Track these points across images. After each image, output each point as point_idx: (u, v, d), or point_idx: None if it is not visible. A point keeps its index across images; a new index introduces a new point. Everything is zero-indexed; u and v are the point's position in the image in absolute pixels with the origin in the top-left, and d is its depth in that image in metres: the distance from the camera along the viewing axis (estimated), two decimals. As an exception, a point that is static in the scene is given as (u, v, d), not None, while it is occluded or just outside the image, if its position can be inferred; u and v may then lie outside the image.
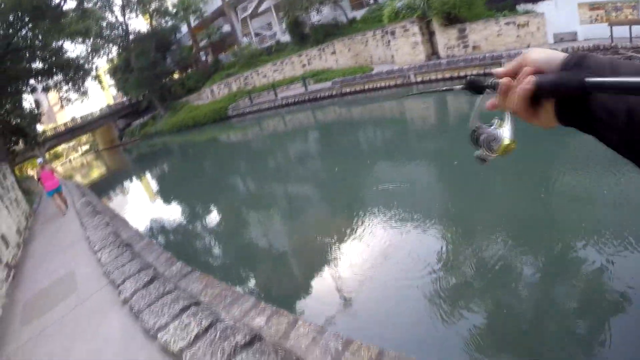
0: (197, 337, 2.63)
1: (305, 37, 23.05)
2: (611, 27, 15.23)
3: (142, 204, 13.29)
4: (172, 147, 26.61)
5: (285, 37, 25.84)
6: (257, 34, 29.63)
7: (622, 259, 3.67)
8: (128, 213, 11.13)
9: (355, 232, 5.53)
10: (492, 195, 6.09)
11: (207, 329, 2.70)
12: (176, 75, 39.50)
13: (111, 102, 50.88)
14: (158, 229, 9.15)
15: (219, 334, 2.58)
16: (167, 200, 12.82)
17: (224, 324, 2.72)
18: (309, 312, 4.04)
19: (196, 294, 3.58)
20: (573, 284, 3.68)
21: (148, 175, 20.12)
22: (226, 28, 32.47)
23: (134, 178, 20.97)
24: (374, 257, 4.75)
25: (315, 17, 22.90)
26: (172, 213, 10.63)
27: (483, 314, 3.48)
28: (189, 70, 37.87)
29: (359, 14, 21.61)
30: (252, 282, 5.26)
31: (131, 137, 39.33)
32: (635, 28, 15.21)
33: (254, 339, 2.41)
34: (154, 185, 17.75)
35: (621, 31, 15.18)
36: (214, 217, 9.26)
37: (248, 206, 9.23)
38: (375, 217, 5.88)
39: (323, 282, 4.61)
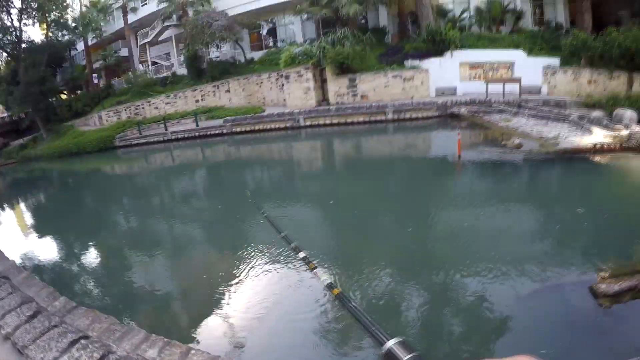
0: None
1: (201, 72, 22.15)
2: (487, 85, 17.04)
3: (17, 235, 11.36)
4: (52, 175, 23.49)
5: (182, 70, 24.64)
6: (154, 63, 27.90)
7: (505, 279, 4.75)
8: (2, 243, 9.25)
9: (240, 267, 5.80)
10: (373, 228, 6.77)
11: (98, 363, 2.52)
12: (64, 96, 35.18)
13: (-11, 115, 43.14)
14: (37, 263, 7.99)
15: (111, 366, 2.39)
16: (46, 232, 10.99)
17: (116, 355, 2.63)
18: (202, 341, 4.22)
19: (84, 329, 3.44)
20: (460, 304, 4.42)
21: (24, 205, 17.08)
22: (123, 52, 30.14)
23: (7, 206, 17.44)
24: (258, 288, 5.18)
25: (214, 53, 22.19)
26: (52, 247, 9.33)
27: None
28: (79, 92, 33.97)
29: (257, 55, 21.56)
30: (141, 316, 5.18)
31: (7, 158, 33.55)
32: (507, 86, 17.35)
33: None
34: (31, 215, 15.09)
35: (496, 87, 17.13)
36: (96, 252, 8.41)
37: (132, 242, 8.56)
38: (259, 253, 6.20)
39: (212, 314, 4.80)
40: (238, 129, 17.77)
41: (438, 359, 3.79)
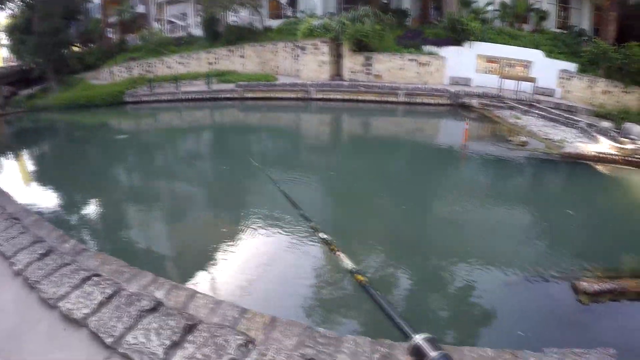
0: (102, 304, 2.51)
1: (217, 35, 21.95)
2: (501, 80, 16.98)
3: (25, 182, 11.39)
4: (59, 126, 23.36)
5: (198, 32, 24.40)
6: (170, 22, 27.60)
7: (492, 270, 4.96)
8: (10, 188, 9.20)
9: (245, 220, 6.02)
10: (371, 207, 6.91)
11: (110, 297, 2.58)
12: (77, 49, 34.83)
13: (0, 63, 42.81)
14: (45, 209, 7.94)
15: (124, 300, 2.50)
16: (53, 181, 11.00)
17: (127, 292, 2.66)
18: (207, 286, 4.40)
19: (94, 269, 3.37)
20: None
21: (31, 154, 17.13)
22: (140, 9, 29.72)
23: (15, 155, 17.57)
24: (262, 242, 5.43)
25: (232, 18, 21.95)
26: (60, 194, 9.37)
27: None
28: (92, 46, 33.64)
29: (275, 23, 21.32)
30: (149, 261, 5.26)
31: (15, 107, 33.43)
32: (522, 84, 17.28)
33: (159, 304, 2.42)
34: (38, 164, 15.18)
35: (510, 84, 17.07)
36: (103, 202, 8.46)
37: (141, 194, 8.75)
38: (263, 212, 6.39)
39: (218, 261, 4.97)
40: (249, 95, 17.75)
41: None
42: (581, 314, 4.32)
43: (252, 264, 4.94)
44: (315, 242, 5.24)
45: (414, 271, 5.09)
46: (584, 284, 4.57)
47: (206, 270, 4.84)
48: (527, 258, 5.34)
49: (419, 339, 0.42)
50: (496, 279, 4.87)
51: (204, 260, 5.11)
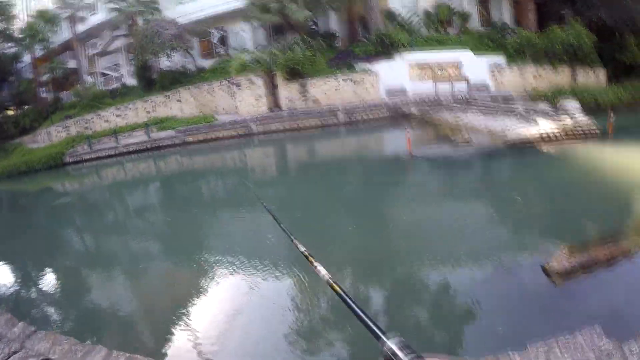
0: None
1: (152, 82, 21.51)
2: (435, 84, 17.40)
3: None
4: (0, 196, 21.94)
5: (132, 81, 23.84)
6: (103, 74, 26.90)
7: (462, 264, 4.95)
8: None
9: (198, 278, 5.64)
10: (332, 229, 6.78)
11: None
12: (11, 112, 33.25)
13: None
14: None
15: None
16: None
17: None
18: (170, 350, 4.14)
19: (44, 353, 3.40)
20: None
21: None
22: (71, 64, 28.76)
23: None
24: (220, 297, 5.12)
25: (165, 63, 21.60)
26: (5, 272, 8.61)
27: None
28: (26, 107, 32.18)
29: (207, 63, 21.18)
30: (102, 334, 4.93)
31: None
32: (456, 84, 17.78)
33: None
34: None
35: (445, 86, 17.54)
36: (53, 274, 7.86)
37: (90, 260, 8.15)
38: (218, 264, 6.05)
39: (175, 325, 4.61)
40: (190, 139, 17.33)
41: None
42: (558, 295, 4.22)
43: (220, 311, 4.72)
44: (294, 256, 4.95)
45: (387, 279, 5.00)
46: (554, 264, 4.43)
47: (168, 332, 4.51)
48: (494, 249, 5.28)
49: (392, 342, 0.45)
50: (467, 276, 4.78)
51: (165, 320, 4.77)
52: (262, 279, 5.33)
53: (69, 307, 6.15)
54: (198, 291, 5.26)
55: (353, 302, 0.59)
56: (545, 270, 4.44)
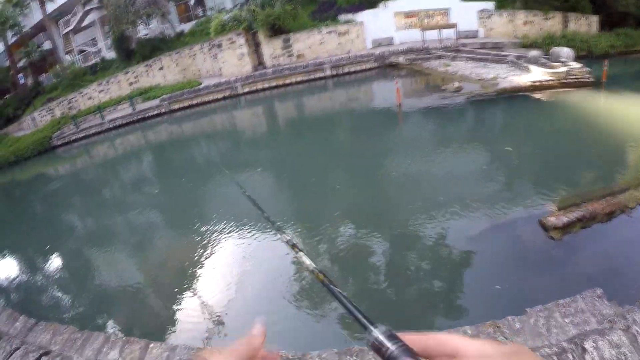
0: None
1: (131, 53, 20.83)
2: (423, 32, 16.90)
3: None
4: None
5: (111, 54, 23.10)
6: (81, 51, 26.01)
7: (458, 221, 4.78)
8: None
9: (191, 257, 5.45)
10: (328, 188, 6.64)
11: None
12: (-8, 103, 32.39)
13: None
14: None
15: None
16: None
17: None
18: (160, 334, 4.12)
19: (45, 345, 3.55)
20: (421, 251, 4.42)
21: None
22: (47, 45, 27.82)
23: None
24: (215, 273, 4.90)
25: (142, 32, 20.84)
26: (3, 265, 8.59)
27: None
28: (6, 96, 31.36)
29: (186, 27, 20.45)
30: (100, 320, 4.96)
31: None
32: (444, 31, 17.31)
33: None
34: None
35: (433, 34, 17.03)
36: (51, 262, 7.81)
37: (87, 243, 8.06)
38: (216, 234, 5.82)
39: (177, 298, 4.56)
40: (176, 106, 16.95)
41: (409, 310, 3.75)
42: (556, 251, 4.07)
43: (211, 291, 4.56)
44: (279, 245, 4.86)
45: (382, 235, 4.90)
46: (552, 219, 4.31)
47: (163, 312, 4.48)
48: (488, 204, 5.11)
49: (377, 332, 0.45)
50: (461, 232, 4.61)
51: (160, 302, 4.72)
52: (254, 261, 5.14)
53: (68, 294, 6.17)
54: (191, 269, 5.16)
55: (339, 292, 0.59)
56: (542, 225, 4.32)
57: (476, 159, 6.96)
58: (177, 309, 4.42)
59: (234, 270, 4.80)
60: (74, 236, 9.15)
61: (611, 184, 5.35)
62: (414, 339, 0.45)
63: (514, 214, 4.79)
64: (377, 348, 0.45)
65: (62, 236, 9.35)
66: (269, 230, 5.31)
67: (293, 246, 0.80)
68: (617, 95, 10.57)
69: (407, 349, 0.44)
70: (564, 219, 4.25)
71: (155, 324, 4.34)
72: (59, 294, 6.35)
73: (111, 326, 4.70)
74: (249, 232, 5.54)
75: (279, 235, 0.84)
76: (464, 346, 0.42)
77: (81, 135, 21.02)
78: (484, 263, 4.08)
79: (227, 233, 5.72)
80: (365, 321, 0.49)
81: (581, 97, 10.05)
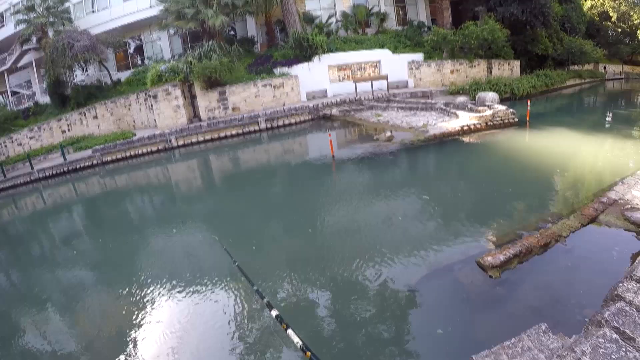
0: None
1: (66, 99, 20.30)
2: (356, 84, 17.81)
3: None
4: None
5: (46, 98, 22.36)
6: (14, 93, 24.93)
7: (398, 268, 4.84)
8: None
9: (138, 304, 5.33)
10: (266, 238, 6.73)
11: None
12: None
13: None
14: None
15: None
16: None
17: None
18: None
19: None
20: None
21: None
22: (-21, 84, 26.38)
23: None
24: (161, 323, 4.77)
25: (79, 77, 20.44)
26: None
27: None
28: None
29: (124, 75, 20.36)
30: None
31: None
32: (376, 83, 18.33)
33: None
34: None
35: (365, 86, 17.99)
36: None
37: (18, 303, 7.26)
38: (156, 288, 5.70)
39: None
40: (109, 158, 16.55)
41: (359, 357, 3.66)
42: (496, 290, 4.07)
43: (162, 338, 4.36)
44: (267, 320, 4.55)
45: (319, 283, 4.90)
46: (489, 259, 4.36)
47: None
48: (426, 247, 5.17)
49: None
50: (400, 277, 4.61)
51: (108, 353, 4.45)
52: (203, 302, 5.06)
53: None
54: (140, 318, 4.98)
55: None
56: (480, 265, 4.37)
57: (410, 205, 7.16)
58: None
59: (173, 331, 4.59)
60: (1, 294, 8.34)
61: (543, 216, 5.59)
62: None
63: (451, 256, 4.87)
64: None
65: None
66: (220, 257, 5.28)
67: (281, 322, 0.94)
68: (541, 131, 11.51)
69: None
70: (501, 257, 4.35)
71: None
72: None
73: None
74: (185, 291, 5.38)
75: (266, 311, 0.85)
76: None
77: (8, 184, 19.80)
78: (426, 308, 4.08)
79: (162, 293, 5.56)
80: None
81: (508, 137, 10.83)
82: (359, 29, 21.64)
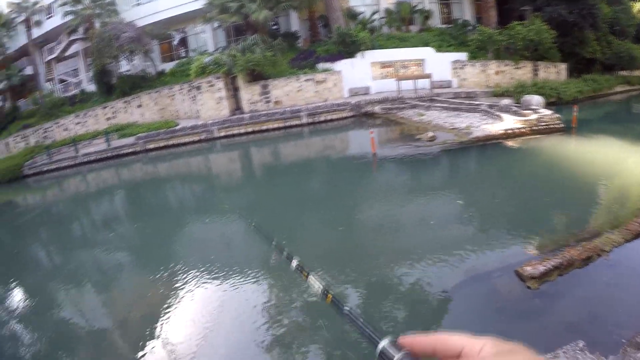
0: None
1: (111, 87, 20.86)
2: (399, 82, 17.44)
3: None
4: None
5: (91, 87, 23.07)
6: (61, 81, 25.94)
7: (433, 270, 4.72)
8: None
9: (174, 289, 5.26)
10: (303, 233, 6.62)
11: None
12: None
13: None
14: None
15: None
16: None
17: None
18: None
19: None
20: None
21: None
22: (29, 70, 27.64)
23: None
24: (199, 307, 4.75)
25: (124, 67, 20.98)
26: None
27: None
28: (-17, 119, 30.77)
29: (168, 66, 20.72)
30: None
31: None
32: (419, 81, 17.91)
33: None
34: None
35: (408, 84, 17.61)
36: (9, 297, 7.23)
37: (50, 280, 7.51)
38: (191, 272, 5.67)
39: (140, 354, 4.18)
40: (151, 146, 16.87)
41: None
42: (534, 302, 3.95)
43: (184, 337, 4.34)
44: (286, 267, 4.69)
45: (359, 283, 4.79)
46: (528, 269, 4.18)
47: (144, 349, 4.20)
48: (464, 253, 5.01)
49: (383, 343, 0.51)
50: (437, 282, 4.48)
51: (140, 337, 4.46)
52: (240, 285, 5.07)
53: (26, 334, 5.80)
54: (174, 302, 4.97)
55: (348, 310, 0.64)
56: (519, 275, 4.22)
57: (448, 208, 6.96)
58: (158, 346, 4.17)
59: (206, 317, 4.61)
60: (37, 272, 8.67)
61: (586, 228, 5.35)
62: (421, 341, 0.50)
63: (489, 263, 4.74)
64: (384, 358, 0.50)
65: (25, 270, 8.87)
66: (260, 245, 5.22)
67: (302, 270, 0.88)
68: (587, 139, 10.94)
69: (409, 356, 0.49)
70: (541, 267, 4.17)
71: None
72: (16, 333, 5.96)
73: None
74: (220, 278, 5.39)
75: (287, 262, 0.82)
76: (469, 345, 0.47)
77: (53, 167, 20.62)
78: (459, 313, 3.99)
79: (197, 279, 5.56)
80: (372, 335, 0.54)
81: (552, 143, 10.30)
82: (403, 26, 21.20)
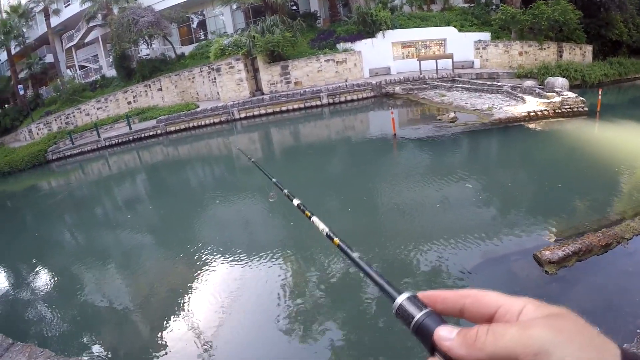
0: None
1: (131, 72, 21.00)
2: (420, 62, 17.08)
3: None
4: None
5: (112, 72, 23.27)
6: (82, 67, 26.24)
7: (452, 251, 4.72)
8: None
9: (195, 268, 5.38)
10: (321, 212, 6.37)
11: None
12: (-9, 112, 32.49)
13: None
14: None
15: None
16: None
17: None
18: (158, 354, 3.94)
19: None
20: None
21: None
22: (49, 58, 28.05)
23: None
24: (208, 298, 4.74)
25: (144, 52, 21.06)
26: None
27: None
28: (5, 106, 31.46)
29: (187, 49, 20.69)
30: (80, 345, 4.70)
31: None
32: (440, 62, 17.56)
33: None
34: None
35: (429, 64, 17.25)
36: (34, 278, 7.45)
37: (73, 262, 7.66)
38: (216, 250, 5.79)
39: (159, 332, 4.31)
40: (172, 128, 16.98)
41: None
42: (552, 286, 3.93)
43: (203, 317, 4.44)
44: (275, 270, 4.92)
45: (378, 262, 4.80)
46: (547, 253, 4.16)
47: (149, 339, 4.28)
48: (483, 235, 4.98)
49: (402, 298, 0.44)
50: (456, 264, 4.45)
51: (147, 328, 4.55)
52: (260, 261, 5.15)
53: (50, 314, 5.90)
54: (195, 282, 5.06)
55: (358, 257, 0.55)
56: (537, 259, 4.19)
57: (469, 190, 6.85)
58: (166, 336, 4.19)
59: (227, 295, 4.69)
60: (61, 253, 8.89)
61: (606, 214, 5.26)
62: (446, 297, 0.41)
63: (508, 246, 4.70)
64: (402, 316, 0.42)
65: (49, 252, 9.11)
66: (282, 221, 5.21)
67: (304, 211, 0.81)
68: (612, 124, 10.66)
69: (433, 315, 0.40)
70: (560, 252, 4.12)
71: (140, 353, 4.11)
72: (40, 313, 6.09)
73: (91, 352, 4.49)
74: (242, 257, 5.46)
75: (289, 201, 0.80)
76: (506, 305, 0.38)
77: (76, 151, 21.03)
78: None
79: (219, 258, 5.65)
80: (387, 288, 0.46)
81: (576, 127, 10.11)
82: (424, 5, 20.70)
